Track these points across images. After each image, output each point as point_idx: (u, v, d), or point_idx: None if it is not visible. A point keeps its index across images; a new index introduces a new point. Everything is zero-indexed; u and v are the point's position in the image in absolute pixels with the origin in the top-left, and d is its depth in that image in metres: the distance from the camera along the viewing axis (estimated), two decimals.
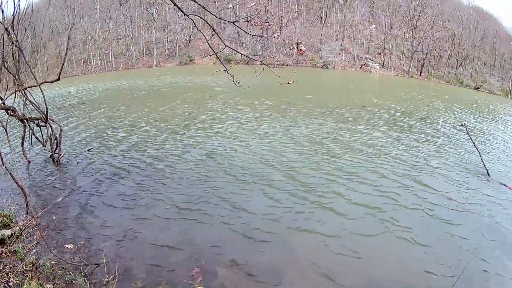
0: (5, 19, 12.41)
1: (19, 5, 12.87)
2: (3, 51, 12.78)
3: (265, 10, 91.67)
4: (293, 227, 11.44)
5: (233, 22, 10.06)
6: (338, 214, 12.39)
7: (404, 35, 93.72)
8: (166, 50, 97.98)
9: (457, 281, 8.50)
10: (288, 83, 11.07)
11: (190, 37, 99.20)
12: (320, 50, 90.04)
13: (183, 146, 19.81)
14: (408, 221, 12.14)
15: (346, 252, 10.20)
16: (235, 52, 79.96)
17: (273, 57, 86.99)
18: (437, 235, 11.38)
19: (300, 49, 10.56)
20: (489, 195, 15.24)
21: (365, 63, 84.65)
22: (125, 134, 22.60)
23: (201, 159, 17.77)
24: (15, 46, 13.64)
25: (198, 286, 8.55)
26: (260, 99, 35.44)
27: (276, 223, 11.71)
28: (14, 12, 12.79)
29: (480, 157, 19.28)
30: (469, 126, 26.83)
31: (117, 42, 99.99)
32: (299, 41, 10.29)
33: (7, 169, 10.22)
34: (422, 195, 14.31)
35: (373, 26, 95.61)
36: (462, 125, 25.53)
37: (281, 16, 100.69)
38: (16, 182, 10.80)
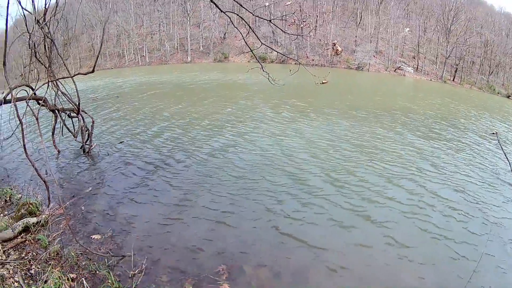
0: (37, 11, 12.54)
1: None
2: (34, 42, 12.94)
3: (300, 9, 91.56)
4: (320, 232, 11.29)
5: (269, 20, 9.99)
6: (365, 221, 12.19)
7: (438, 40, 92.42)
8: (201, 47, 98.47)
9: None
10: (322, 83, 11.06)
11: (224, 35, 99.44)
12: (354, 52, 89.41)
13: (213, 144, 19.75)
14: (428, 237, 11.72)
15: (371, 257, 10.10)
16: (270, 50, 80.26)
17: (308, 57, 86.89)
18: (456, 254, 10.90)
19: (337, 50, 10.65)
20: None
21: (399, 67, 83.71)
22: (155, 129, 22.78)
23: (228, 158, 17.66)
24: (47, 37, 13.82)
25: (223, 283, 8.50)
26: (291, 99, 35.10)
27: (303, 226, 11.56)
28: (45, 5, 12.96)
29: (510, 168, 18.65)
30: (501, 136, 26.13)
31: (151, 37, 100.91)
32: (335, 41, 10.35)
33: (31, 161, 10.36)
34: (447, 210, 13.75)
35: (408, 29, 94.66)
36: (493, 133, 25.33)
37: (316, 16, 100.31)
38: (39, 174, 10.98)
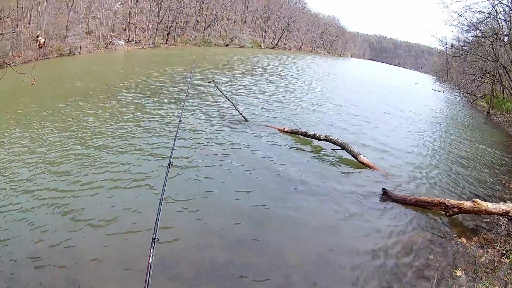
0: None
1: None
2: None
3: (18, 4, 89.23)
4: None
5: None
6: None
7: (150, 7, 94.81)
8: None
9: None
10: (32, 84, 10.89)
11: None
12: (65, 38, 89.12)
13: None
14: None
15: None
16: None
17: (13, 55, 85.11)
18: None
19: (39, 43, 10.35)
20: (252, 137, 18.92)
21: (110, 42, 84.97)
22: None
23: None
24: None
25: None
26: None
27: None
28: None
29: (235, 108, 22.46)
30: (219, 82, 29.32)
31: None
32: (38, 33, 10.33)
33: None
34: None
35: (119, 2, 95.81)
36: (210, 81, 27.05)
37: (31, 7, 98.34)
38: None
